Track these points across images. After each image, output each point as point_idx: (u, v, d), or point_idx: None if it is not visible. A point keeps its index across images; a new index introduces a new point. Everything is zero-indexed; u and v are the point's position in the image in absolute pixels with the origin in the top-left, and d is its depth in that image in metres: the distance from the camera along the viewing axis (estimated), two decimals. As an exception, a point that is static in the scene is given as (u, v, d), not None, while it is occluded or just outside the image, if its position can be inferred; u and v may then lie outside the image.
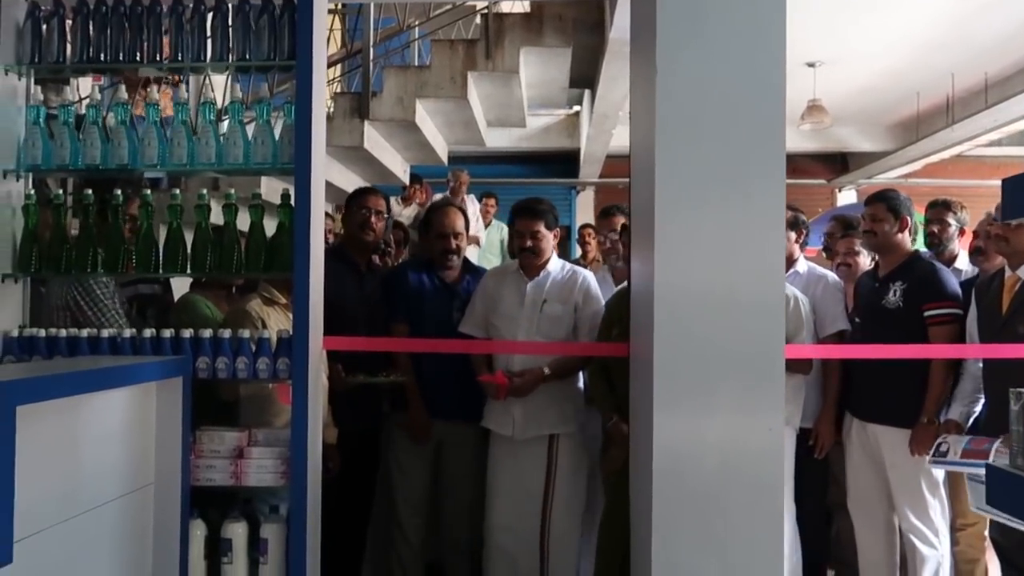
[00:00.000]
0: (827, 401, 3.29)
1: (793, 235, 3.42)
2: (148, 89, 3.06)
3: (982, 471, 2.57)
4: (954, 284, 3.14)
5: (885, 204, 3.24)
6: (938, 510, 3.09)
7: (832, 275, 3.48)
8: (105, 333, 2.49)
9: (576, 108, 10.23)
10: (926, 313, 3.07)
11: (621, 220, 3.42)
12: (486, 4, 5.89)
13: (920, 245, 3.78)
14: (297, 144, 2.45)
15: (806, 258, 3.65)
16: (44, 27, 2.60)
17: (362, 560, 3.27)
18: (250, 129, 2.59)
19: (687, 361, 2.08)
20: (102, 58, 2.59)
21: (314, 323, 2.49)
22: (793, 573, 3.08)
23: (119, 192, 2.60)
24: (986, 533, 3.30)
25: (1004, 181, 1.06)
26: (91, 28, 2.59)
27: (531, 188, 9.47)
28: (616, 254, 3.42)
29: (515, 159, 11.33)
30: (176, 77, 4.08)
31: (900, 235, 3.22)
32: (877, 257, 3.39)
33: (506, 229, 5.62)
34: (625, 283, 3.33)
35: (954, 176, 10.84)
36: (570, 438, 3.09)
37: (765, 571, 2.05)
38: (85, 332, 2.49)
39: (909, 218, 3.26)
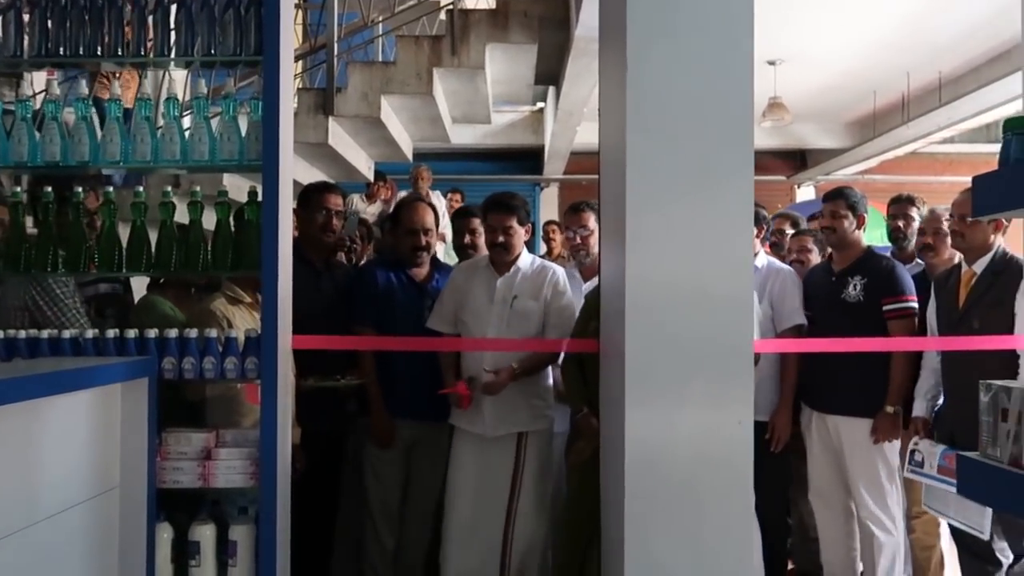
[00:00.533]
0: (784, 395, 3.34)
1: (754, 230, 3.47)
2: (107, 82, 2.99)
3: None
4: (910, 279, 3.26)
5: (845, 201, 3.34)
6: (894, 497, 3.20)
7: (790, 270, 3.54)
8: (67, 334, 2.43)
9: (541, 105, 10.25)
10: (885, 307, 3.19)
11: (591, 216, 3.43)
12: (451, 0, 5.87)
13: (884, 240, 3.87)
14: (265, 140, 2.41)
15: (766, 253, 3.71)
16: (0, 20, 2.53)
17: (330, 561, 3.24)
18: (214, 125, 2.55)
19: (658, 355, 2.10)
20: (61, 52, 2.53)
21: (283, 322, 2.46)
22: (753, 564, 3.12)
23: (80, 189, 2.54)
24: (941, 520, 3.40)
25: (975, 178, 1.09)
26: (49, 21, 2.52)
27: (496, 184, 9.45)
28: (586, 250, 3.42)
29: (480, 155, 11.31)
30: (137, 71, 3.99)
31: (858, 231, 3.34)
32: (830, 252, 3.48)
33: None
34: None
35: (908, 172, 11.08)
36: (539, 436, 3.09)
37: (737, 561, 2.08)
38: (46, 333, 2.43)
39: (865, 215, 3.37)
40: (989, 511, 2.70)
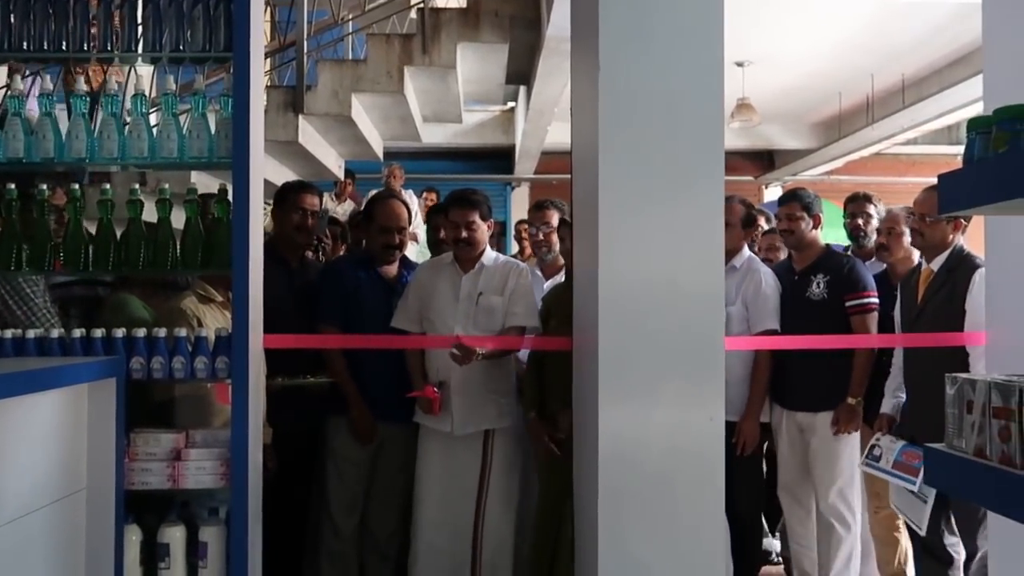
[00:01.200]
0: (752, 398, 3.29)
1: (742, 232, 3.48)
2: (72, 78, 2.93)
3: (910, 486, 2.74)
4: (869, 275, 3.34)
5: (799, 203, 3.41)
6: (855, 492, 3.26)
7: (768, 271, 3.48)
8: (31, 334, 2.38)
9: (512, 104, 10.26)
10: (848, 303, 3.26)
11: (554, 214, 3.42)
12: (421, -2, 5.86)
13: (843, 239, 3.93)
14: (235, 138, 2.39)
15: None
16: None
17: (301, 562, 3.22)
18: (183, 121, 2.51)
19: (631, 352, 2.13)
20: (25, 47, 2.48)
21: (254, 321, 2.44)
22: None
23: (44, 187, 2.49)
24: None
25: (940, 176, 1.12)
26: (12, 15, 2.47)
27: (466, 183, 9.39)
28: (548, 247, 3.42)
29: (451, 155, 11.30)
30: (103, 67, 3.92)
31: (815, 231, 3.41)
32: (790, 252, 3.53)
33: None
34: (562, 277, 3.37)
35: (872, 173, 11.28)
36: (506, 433, 3.08)
37: (708, 554, 2.11)
38: (10, 333, 2.38)
39: (821, 214, 3.44)
40: (928, 507, 2.77)
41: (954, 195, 1.11)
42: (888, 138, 9.29)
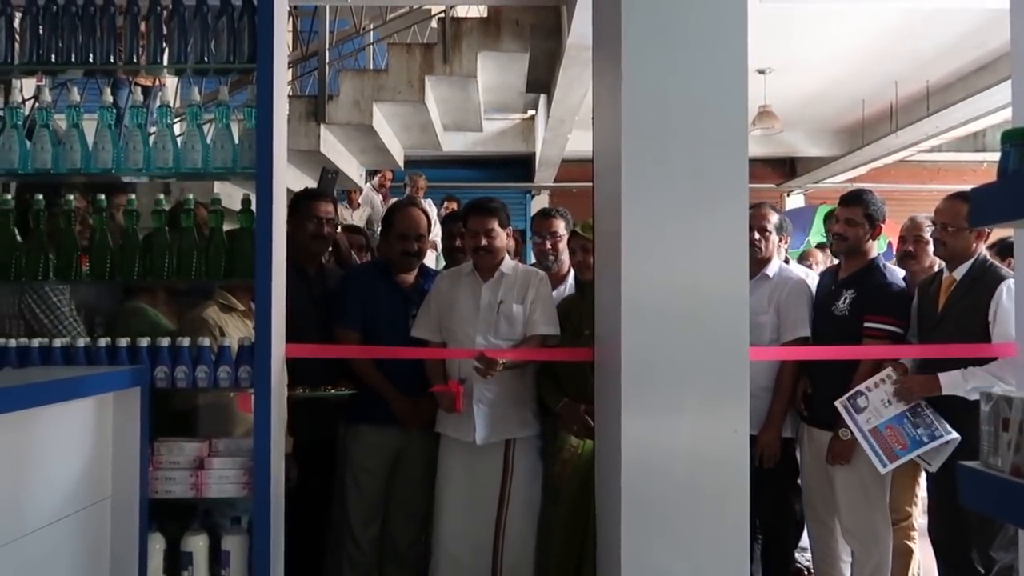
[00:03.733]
0: (773, 410, 3.16)
1: (776, 238, 3.34)
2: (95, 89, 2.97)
3: (876, 460, 2.71)
4: (902, 301, 3.07)
5: (863, 209, 3.11)
6: (879, 514, 3.08)
7: (800, 278, 3.32)
8: (58, 343, 2.41)
9: (532, 112, 10.27)
10: (866, 323, 3.03)
11: (560, 223, 3.39)
12: (443, 8, 5.88)
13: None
14: (259, 148, 2.40)
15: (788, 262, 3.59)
16: (-9, 26, 2.51)
17: (322, 571, 3.22)
18: (206, 132, 2.54)
19: (654, 363, 2.11)
20: (52, 59, 2.51)
21: (276, 330, 2.44)
22: None
23: (71, 197, 2.52)
24: (915, 523, 3.38)
25: (973, 190, 1.10)
26: (41, 28, 2.50)
27: (486, 192, 9.46)
28: (555, 256, 3.40)
29: (470, 163, 11.33)
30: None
31: (871, 242, 3.15)
32: (841, 260, 3.30)
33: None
34: (566, 287, 3.33)
35: (896, 180, 11.18)
36: (527, 442, 3.07)
37: (732, 566, 2.08)
38: (36, 342, 2.40)
39: (882, 224, 3.19)
40: (947, 453, 2.77)
41: (988, 208, 1.08)
42: (912, 145, 9.19)
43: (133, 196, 2.53)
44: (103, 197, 2.53)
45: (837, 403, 2.92)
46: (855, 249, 3.14)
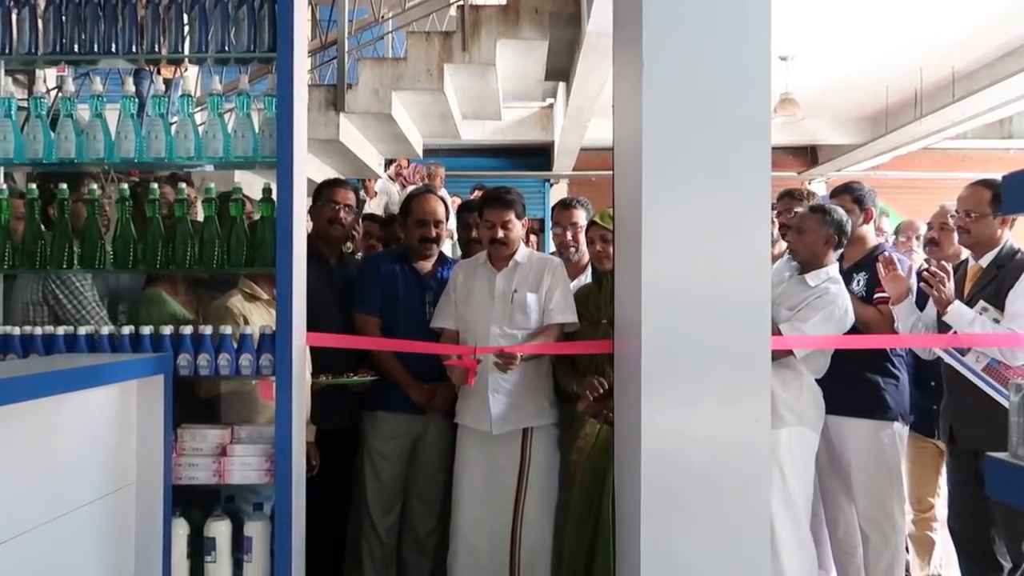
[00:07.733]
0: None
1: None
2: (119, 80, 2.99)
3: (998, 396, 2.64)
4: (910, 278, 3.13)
5: (851, 195, 3.25)
6: (896, 502, 3.10)
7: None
8: (83, 331, 2.44)
9: (551, 101, 10.23)
10: (877, 295, 3.12)
11: (580, 213, 3.38)
12: (461, -4, 5.86)
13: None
14: (279, 137, 2.41)
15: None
16: (15, 16, 2.53)
17: (343, 558, 3.25)
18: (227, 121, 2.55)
19: (675, 353, 2.09)
20: (75, 49, 2.53)
21: (297, 318, 2.46)
22: None
23: (96, 186, 2.54)
24: (936, 514, 3.37)
25: (1004, 177, 1.08)
26: (64, 18, 2.52)
27: (505, 180, 9.44)
28: (575, 246, 3.38)
29: (489, 152, 11.32)
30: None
31: (865, 226, 3.26)
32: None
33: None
34: (586, 278, 3.33)
35: (920, 168, 11.04)
36: (544, 431, 3.08)
37: (753, 557, 2.07)
38: (61, 330, 2.43)
39: (873, 208, 3.29)
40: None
41: (1019, 195, 1.06)
42: (937, 132, 9.06)
43: (155, 185, 2.54)
44: (126, 187, 2.55)
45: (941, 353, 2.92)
46: (851, 235, 3.16)
